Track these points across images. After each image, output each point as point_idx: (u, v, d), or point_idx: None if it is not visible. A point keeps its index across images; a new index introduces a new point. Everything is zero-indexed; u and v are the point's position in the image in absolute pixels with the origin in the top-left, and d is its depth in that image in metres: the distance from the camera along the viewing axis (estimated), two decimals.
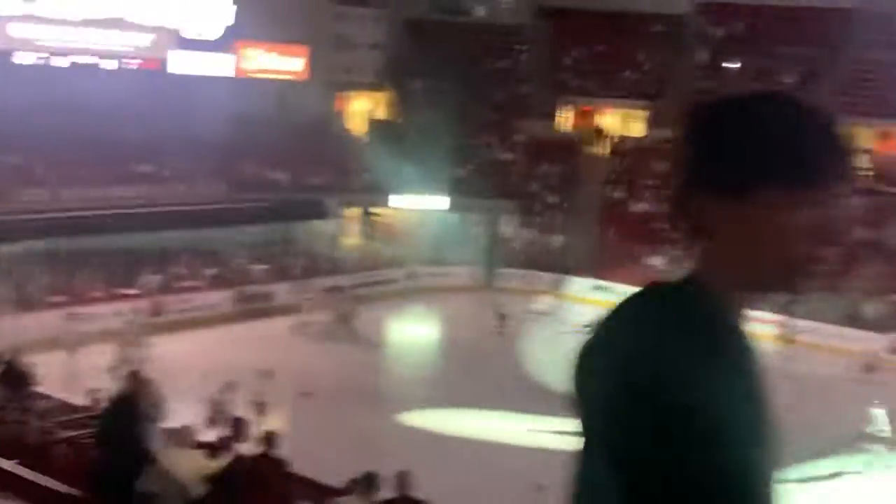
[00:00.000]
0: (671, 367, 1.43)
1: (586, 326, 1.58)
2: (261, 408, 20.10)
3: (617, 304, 1.58)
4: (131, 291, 30.10)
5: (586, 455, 1.54)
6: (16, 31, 33.71)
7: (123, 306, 28.12)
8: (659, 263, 35.45)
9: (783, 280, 1.56)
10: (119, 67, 35.62)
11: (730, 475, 1.43)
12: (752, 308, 1.61)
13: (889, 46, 39.14)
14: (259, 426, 19.64)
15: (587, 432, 1.54)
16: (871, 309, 30.95)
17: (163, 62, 36.63)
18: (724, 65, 42.07)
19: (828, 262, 1.57)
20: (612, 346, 1.51)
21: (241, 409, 17.63)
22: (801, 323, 28.70)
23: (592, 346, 1.55)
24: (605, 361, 1.49)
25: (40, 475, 5.62)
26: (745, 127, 1.55)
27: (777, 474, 1.51)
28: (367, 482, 9.48)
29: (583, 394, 1.55)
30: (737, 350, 1.54)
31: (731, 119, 1.57)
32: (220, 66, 37.73)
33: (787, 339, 28.28)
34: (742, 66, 41.70)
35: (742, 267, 1.55)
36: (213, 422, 19.40)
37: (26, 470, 5.10)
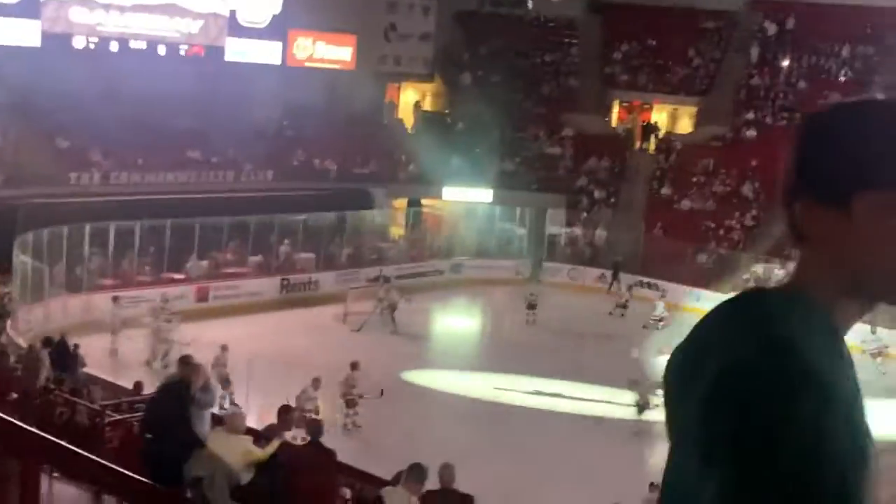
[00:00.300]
0: (802, 364, 1.39)
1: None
2: (350, 401, 20.78)
3: (715, 308, 1.54)
4: (178, 276, 30.37)
5: (678, 458, 1.50)
6: (77, 15, 34.07)
7: (170, 291, 28.38)
8: (705, 261, 35.24)
9: (889, 290, 1.51)
10: (168, 53, 35.91)
11: (835, 491, 1.35)
12: (858, 319, 1.56)
13: None
14: (348, 417, 20.39)
15: (681, 434, 1.50)
16: None
17: (211, 48, 36.87)
18: (776, 62, 41.62)
19: None
20: (723, 346, 1.45)
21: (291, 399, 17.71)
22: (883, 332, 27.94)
23: (695, 348, 1.51)
24: (717, 363, 1.43)
25: (94, 456, 5.69)
26: (846, 131, 1.52)
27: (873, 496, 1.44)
28: (415, 473, 9.48)
29: (681, 397, 1.51)
30: (847, 360, 1.50)
31: (834, 124, 1.55)
32: (269, 53, 37.94)
33: (878, 353, 27.28)
34: (793, 63, 41.24)
35: (847, 276, 1.51)
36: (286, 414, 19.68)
37: (79, 451, 5.17)
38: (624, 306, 32.34)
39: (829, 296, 1.51)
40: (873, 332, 27.12)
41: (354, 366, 21.13)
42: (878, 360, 26.91)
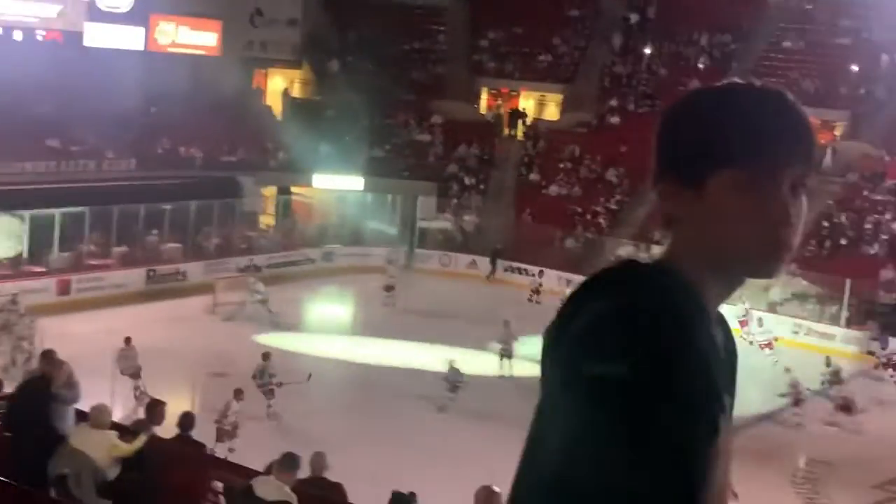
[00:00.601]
0: (670, 319, 1.43)
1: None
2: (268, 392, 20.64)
3: (587, 278, 1.56)
4: (38, 269, 29.44)
5: (541, 410, 1.50)
6: None
7: (29, 284, 27.48)
8: (573, 246, 35.92)
9: (749, 265, 1.57)
10: (25, 39, 34.67)
11: (676, 450, 1.37)
12: (727, 296, 1.61)
13: (800, 35, 40.05)
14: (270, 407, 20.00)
15: (546, 391, 1.51)
16: None
17: (70, 34, 35.69)
18: (638, 50, 42.58)
19: (791, 247, 1.56)
20: (594, 300, 1.47)
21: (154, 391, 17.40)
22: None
23: (566, 313, 1.51)
24: (585, 316, 1.46)
25: None
26: (699, 115, 1.59)
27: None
28: (287, 462, 9.43)
29: (549, 357, 1.52)
30: (719, 336, 1.56)
31: (687, 109, 1.61)
32: (131, 39, 36.91)
33: (768, 344, 27.81)
34: (654, 51, 42.27)
35: (709, 254, 1.56)
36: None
37: None
38: (537, 292, 32.35)
39: (696, 273, 1.56)
40: (760, 325, 27.95)
41: (266, 356, 21.20)
42: (767, 351, 27.29)
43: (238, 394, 18.54)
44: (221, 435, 17.58)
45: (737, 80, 1.64)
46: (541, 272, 33.74)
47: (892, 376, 26.67)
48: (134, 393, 20.55)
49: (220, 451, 16.25)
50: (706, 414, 1.42)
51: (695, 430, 1.39)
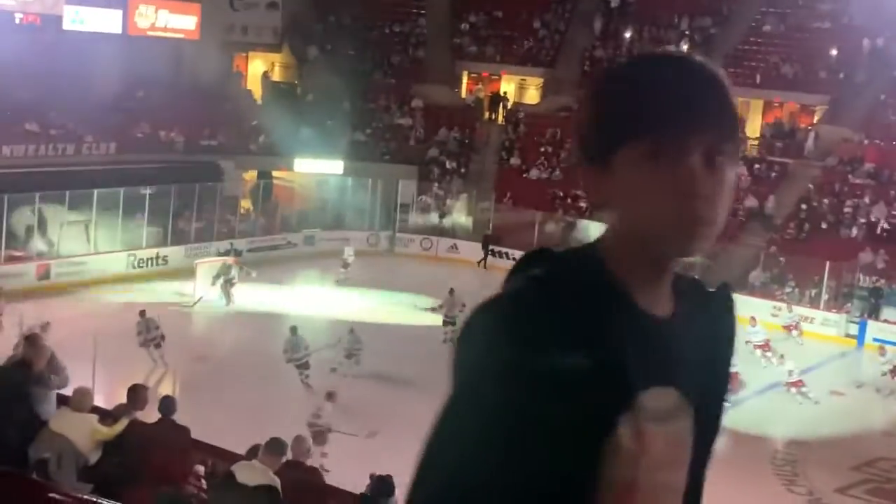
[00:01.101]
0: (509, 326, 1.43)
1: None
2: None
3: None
4: (18, 253, 29.32)
5: None
6: None
7: (10, 269, 27.36)
8: (553, 230, 35.97)
9: (666, 243, 1.48)
10: (2, 22, 34.30)
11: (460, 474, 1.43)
12: (660, 278, 1.54)
13: (780, 19, 40.12)
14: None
15: None
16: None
17: (48, 17, 35.32)
18: (619, 34, 42.57)
19: (709, 221, 1.47)
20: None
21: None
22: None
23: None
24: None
25: None
26: (602, 93, 1.53)
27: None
28: (273, 446, 9.46)
29: None
30: (615, 332, 1.46)
31: (588, 87, 1.57)
32: (110, 22, 36.61)
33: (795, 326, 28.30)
34: (635, 34, 42.27)
35: (630, 235, 1.50)
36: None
37: None
38: None
39: (622, 256, 1.51)
40: (790, 311, 28.12)
41: (293, 330, 21.82)
42: (794, 332, 27.61)
43: (330, 396, 18.08)
44: (316, 437, 16.32)
45: (648, 50, 1.59)
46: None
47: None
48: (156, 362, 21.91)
49: (316, 455, 14.82)
50: (532, 408, 1.39)
51: (503, 422, 1.40)
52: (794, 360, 23.56)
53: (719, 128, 1.47)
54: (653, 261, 1.52)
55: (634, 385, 1.45)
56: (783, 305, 29.15)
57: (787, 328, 27.65)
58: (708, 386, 1.61)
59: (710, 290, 1.67)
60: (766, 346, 24.37)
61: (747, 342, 23.99)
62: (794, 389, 22.87)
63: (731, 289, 1.68)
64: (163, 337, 22.12)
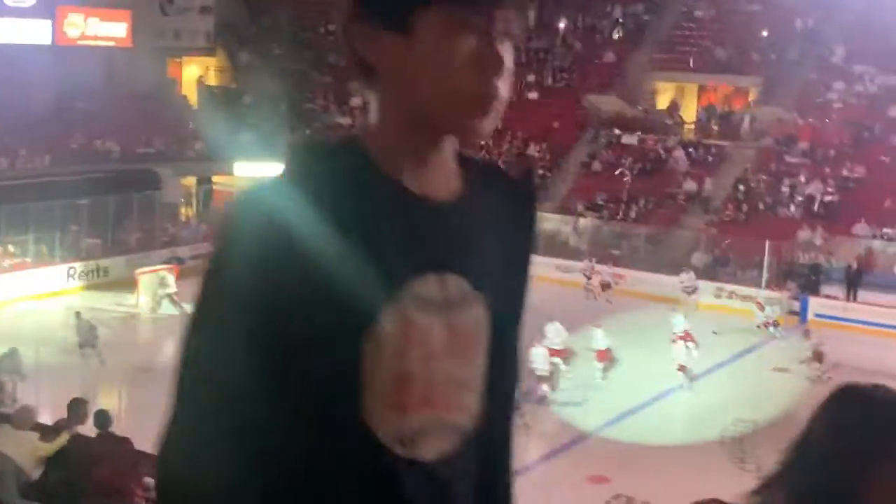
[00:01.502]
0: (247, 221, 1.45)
1: None
2: None
3: None
4: None
5: None
6: None
7: None
8: None
9: (449, 119, 1.41)
10: None
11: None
12: (427, 159, 1.46)
13: (711, 3, 40.55)
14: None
15: None
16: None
17: None
18: (553, 24, 42.76)
19: (498, 99, 1.41)
20: None
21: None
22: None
23: None
24: None
25: None
26: None
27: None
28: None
29: None
30: (370, 218, 1.41)
31: None
32: (38, 33, 36.04)
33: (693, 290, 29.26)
34: (569, 24, 42.49)
35: (409, 107, 1.42)
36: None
37: None
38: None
39: (389, 134, 1.45)
40: (762, 311, 27.92)
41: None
42: (772, 329, 27.53)
43: None
44: None
45: None
46: None
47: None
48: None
49: None
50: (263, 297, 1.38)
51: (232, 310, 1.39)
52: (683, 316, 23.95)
53: (520, 4, 1.44)
54: (429, 138, 1.45)
55: (396, 271, 1.40)
56: (753, 306, 28.81)
57: (765, 325, 27.78)
58: (503, 276, 1.53)
59: (510, 177, 1.60)
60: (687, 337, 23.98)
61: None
62: (681, 342, 22.90)
63: (533, 176, 1.64)
64: (97, 337, 22.35)
